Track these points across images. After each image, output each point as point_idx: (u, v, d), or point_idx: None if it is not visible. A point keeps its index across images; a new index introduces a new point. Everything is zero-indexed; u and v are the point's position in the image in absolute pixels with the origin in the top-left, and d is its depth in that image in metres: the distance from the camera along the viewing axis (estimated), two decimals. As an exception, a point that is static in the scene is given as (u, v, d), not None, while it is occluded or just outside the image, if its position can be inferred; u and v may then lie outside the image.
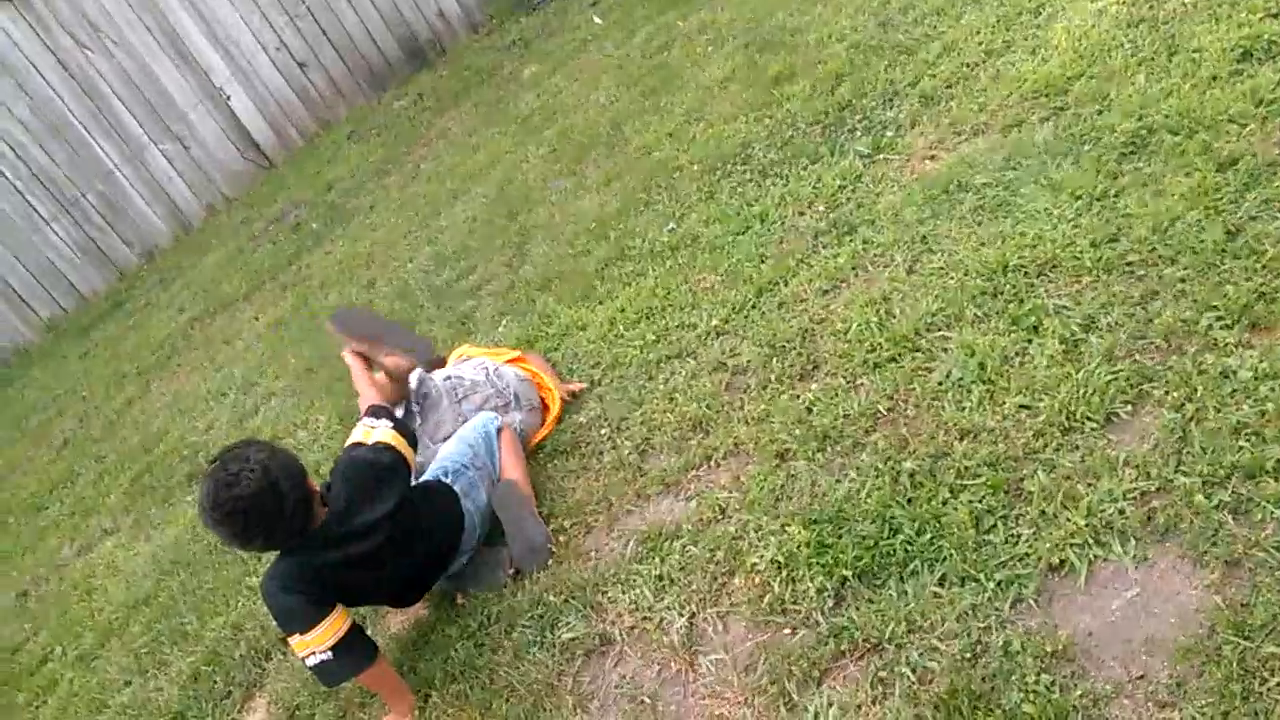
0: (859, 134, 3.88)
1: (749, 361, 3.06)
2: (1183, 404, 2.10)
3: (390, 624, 3.08)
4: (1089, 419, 2.21)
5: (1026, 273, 2.68)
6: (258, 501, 2.39)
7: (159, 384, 6.29)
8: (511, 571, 2.86)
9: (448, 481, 2.97)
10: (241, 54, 9.07)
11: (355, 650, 2.52)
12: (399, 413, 3.12)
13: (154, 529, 4.49)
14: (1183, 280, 2.37)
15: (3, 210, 8.55)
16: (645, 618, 2.48)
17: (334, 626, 2.48)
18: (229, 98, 9.08)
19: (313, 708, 2.87)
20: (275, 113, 9.36)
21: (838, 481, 2.46)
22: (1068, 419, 2.24)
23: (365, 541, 2.64)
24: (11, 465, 6.52)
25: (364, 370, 3.08)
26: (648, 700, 2.30)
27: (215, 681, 3.22)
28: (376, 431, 2.80)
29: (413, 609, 3.00)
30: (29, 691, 3.86)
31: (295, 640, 2.48)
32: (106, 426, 6.11)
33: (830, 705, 2.03)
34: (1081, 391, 2.26)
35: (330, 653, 2.47)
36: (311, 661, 2.48)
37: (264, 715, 3.00)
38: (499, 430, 3.15)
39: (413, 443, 2.87)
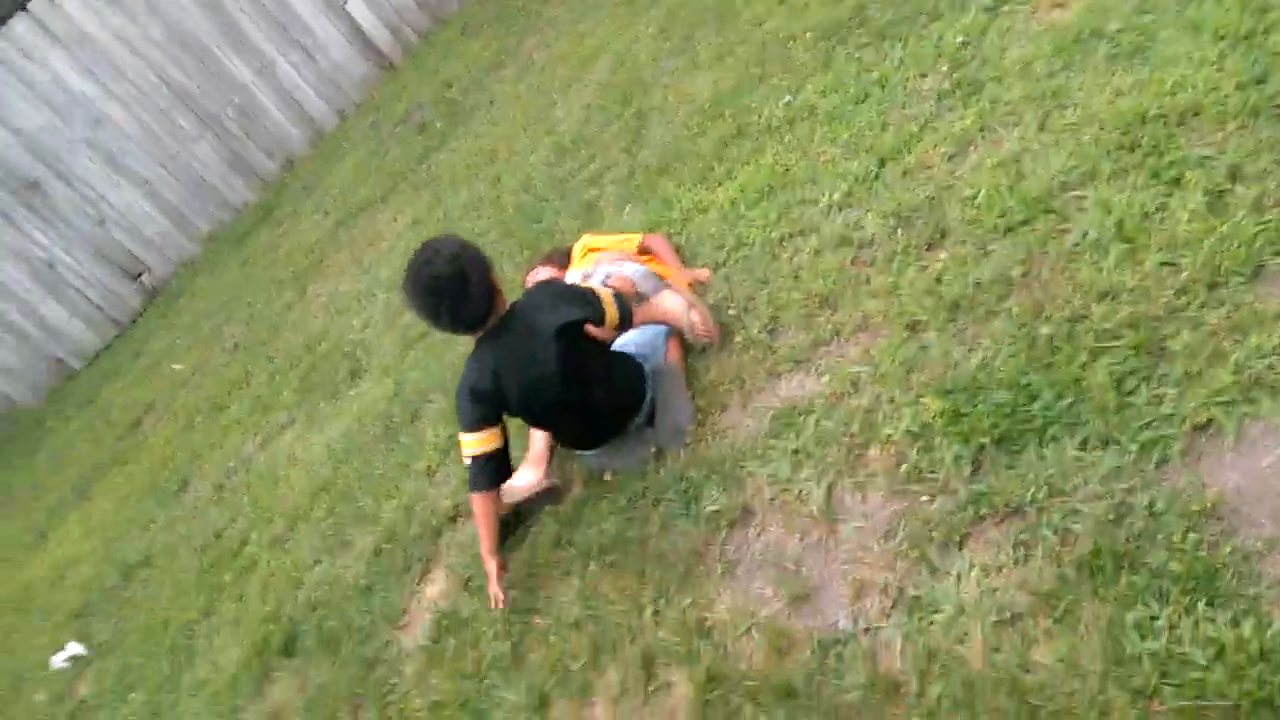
0: (981, -16, 3.62)
1: (874, 234, 2.99)
2: (1341, 253, 1.96)
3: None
4: (1235, 273, 2.08)
5: (1166, 122, 2.50)
6: (448, 280, 2.64)
7: (314, 286, 6.59)
8: (654, 451, 2.95)
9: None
10: (354, -43, 9.06)
11: (483, 471, 2.85)
12: None
13: (325, 421, 4.79)
14: (1343, 120, 2.17)
15: (154, 131, 8.94)
16: (784, 489, 2.53)
17: (482, 441, 2.82)
18: (345, 2, 9.12)
19: (483, 579, 3.07)
20: (390, 14, 9.37)
21: (971, 351, 2.42)
22: (1213, 274, 2.12)
23: (540, 342, 2.78)
24: (192, 368, 7.02)
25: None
26: (791, 566, 2.37)
27: (395, 557, 3.47)
28: (592, 280, 3.00)
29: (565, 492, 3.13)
30: (234, 571, 4.26)
31: (460, 435, 2.86)
32: (271, 329, 6.48)
33: (972, 567, 2.05)
34: (1227, 245, 2.13)
35: (470, 461, 2.85)
36: (465, 460, 2.87)
37: (442, 586, 3.23)
38: (669, 335, 3.21)
39: (625, 322, 2.97)
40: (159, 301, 9.23)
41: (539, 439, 3.18)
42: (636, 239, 3.62)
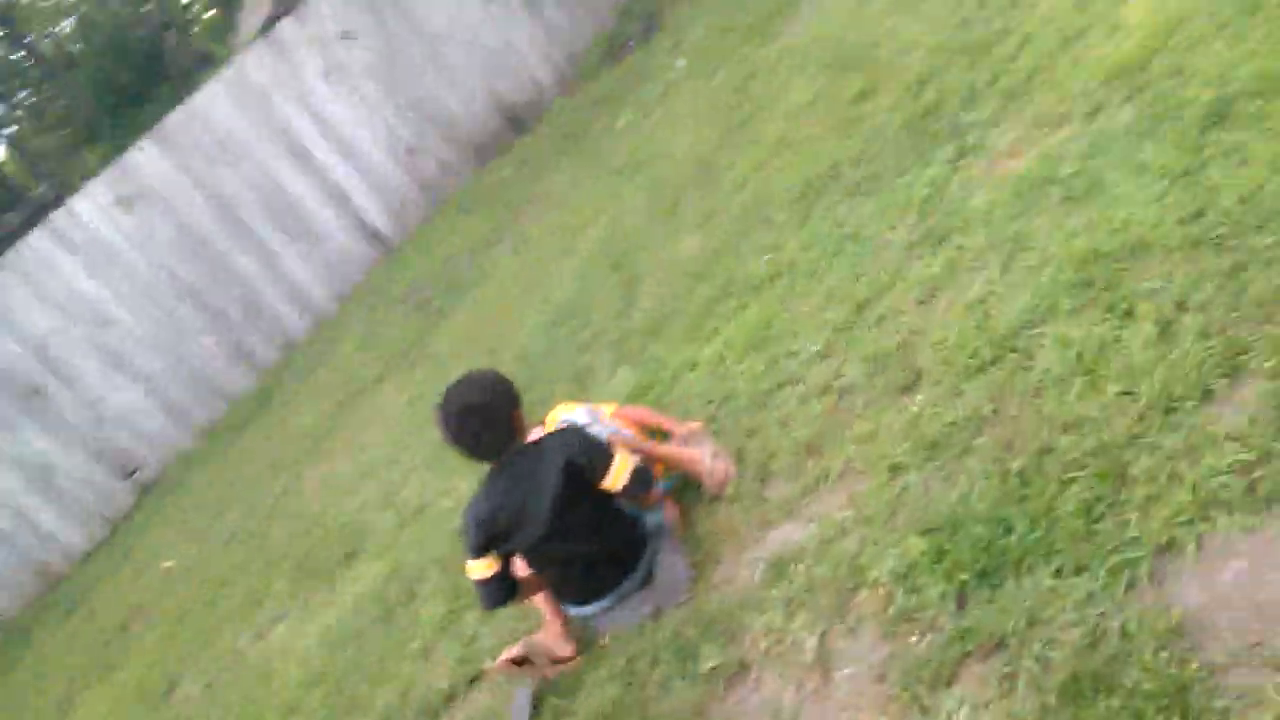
0: (943, 140, 4.01)
1: (854, 380, 3.22)
2: (1278, 372, 2.17)
3: (546, 674, 3.34)
4: (1187, 398, 2.28)
5: (1117, 258, 2.77)
6: (476, 409, 3.01)
7: (310, 470, 6.84)
8: (651, 610, 3.09)
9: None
10: (357, 151, 9.82)
11: (489, 594, 3.14)
12: None
13: (320, 609, 4.92)
14: (1270, 247, 2.42)
15: (159, 327, 9.48)
16: (779, 640, 2.65)
17: (486, 566, 3.10)
18: (350, 196, 9.84)
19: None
20: (394, 203, 10.06)
21: (950, 488, 2.60)
22: (1168, 400, 2.32)
23: (541, 481, 3.03)
24: (184, 565, 7.18)
25: None
26: (789, 719, 2.47)
27: (391, 743, 3.54)
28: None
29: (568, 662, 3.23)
30: (227, 771, 4.29)
31: (466, 561, 3.14)
32: (265, 518, 6.68)
33: (961, 704, 2.15)
34: (1178, 371, 2.34)
35: (475, 584, 3.14)
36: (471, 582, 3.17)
37: (439, 769, 3.30)
38: (665, 492, 3.40)
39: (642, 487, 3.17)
40: (151, 497, 9.49)
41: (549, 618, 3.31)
42: (611, 407, 3.85)
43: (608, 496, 3.18)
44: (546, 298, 6.07)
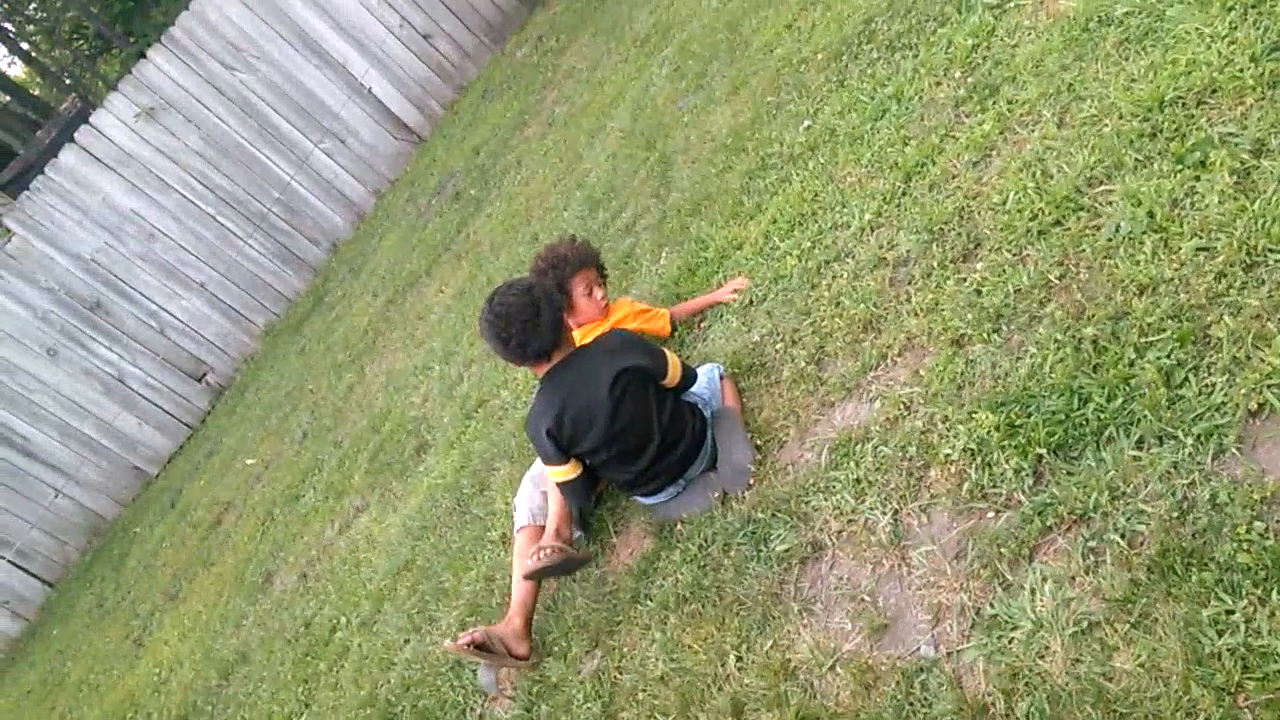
0: (984, -16, 3.69)
1: (909, 251, 3.05)
2: (1374, 218, 1.97)
3: (620, 558, 3.33)
4: (1271, 250, 2.10)
5: (1185, 104, 2.53)
6: (518, 309, 2.94)
7: (372, 366, 6.84)
8: (718, 495, 3.03)
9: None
10: (371, 41, 9.44)
11: (574, 494, 3.16)
12: None
13: (398, 500, 4.96)
14: (1362, 81, 2.19)
15: (206, 237, 9.40)
16: (850, 520, 2.59)
17: (567, 471, 3.09)
18: (370, 88, 9.50)
19: (563, 645, 3.17)
20: (414, 90, 9.74)
21: (1018, 360, 2.46)
22: (1249, 254, 2.14)
23: (600, 383, 2.98)
24: (265, 462, 7.30)
25: None
26: (867, 598, 2.42)
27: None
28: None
29: (635, 542, 3.23)
30: (327, 660, 4.42)
31: (545, 468, 3.15)
32: (336, 414, 6.72)
33: (1045, 580, 2.08)
34: (1260, 222, 2.15)
35: (558, 486, 3.14)
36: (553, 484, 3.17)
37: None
38: (722, 376, 3.32)
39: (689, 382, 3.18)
40: (226, 399, 9.62)
41: (554, 507, 3.26)
42: (665, 316, 3.77)
43: (665, 390, 3.11)
44: (581, 182, 5.86)
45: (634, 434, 3.02)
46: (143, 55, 9.20)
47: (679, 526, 3.11)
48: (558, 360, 3.05)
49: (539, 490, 3.38)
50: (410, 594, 4.20)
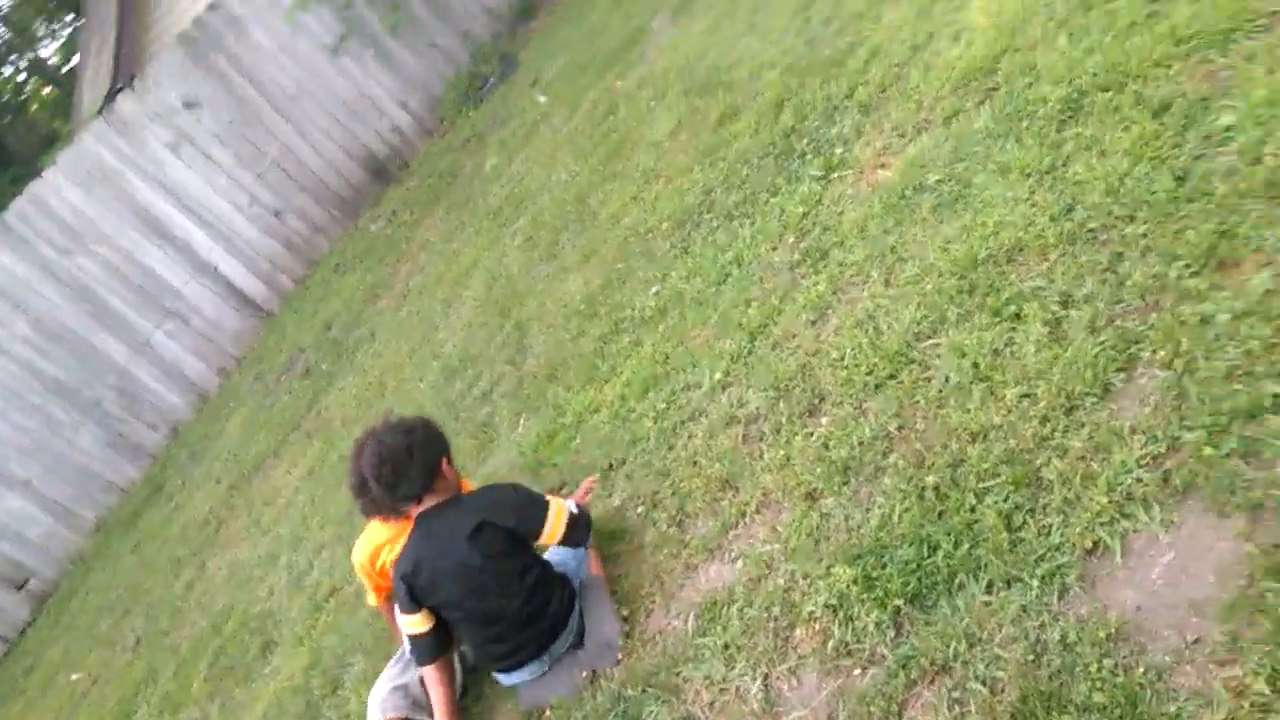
0: (809, 157, 3.98)
1: (758, 408, 3.14)
2: (1171, 359, 2.16)
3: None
4: (1088, 394, 2.26)
5: (996, 261, 2.75)
6: (394, 449, 2.83)
7: (214, 559, 6.43)
8: (587, 674, 2.93)
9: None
10: (218, 219, 9.36)
11: (424, 649, 2.98)
12: None
13: (241, 709, 4.59)
14: (1144, 235, 2.44)
15: (30, 428, 8.82)
16: (722, 690, 2.53)
17: (418, 623, 2.94)
18: (216, 266, 9.35)
19: None
20: (262, 266, 9.63)
21: (869, 511, 2.53)
22: (1067, 399, 2.30)
23: (459, 538, 2.85)
24: (93, 676, 6.67)
25: None
26: (742, 772, 2.35)
27: None
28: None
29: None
30: None
31: (399, 615, 2.99)
32: (173, 615, 6.25)
33: (914, 737, 2.07)
34: (1074, 368, 2.32)
35: (408, 639, 3.00)
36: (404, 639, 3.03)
37: None
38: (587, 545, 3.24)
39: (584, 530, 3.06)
40: (50, 606, 8.82)
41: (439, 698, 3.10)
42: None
43: (535, 553, 3.02)
44: (437, 351, 5.85)
45: (491, 594, 2.90)
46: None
47: (547, 712, 2.98)
48: (430, 505, 2.94)
49: (393, 686, 3.19)
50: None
